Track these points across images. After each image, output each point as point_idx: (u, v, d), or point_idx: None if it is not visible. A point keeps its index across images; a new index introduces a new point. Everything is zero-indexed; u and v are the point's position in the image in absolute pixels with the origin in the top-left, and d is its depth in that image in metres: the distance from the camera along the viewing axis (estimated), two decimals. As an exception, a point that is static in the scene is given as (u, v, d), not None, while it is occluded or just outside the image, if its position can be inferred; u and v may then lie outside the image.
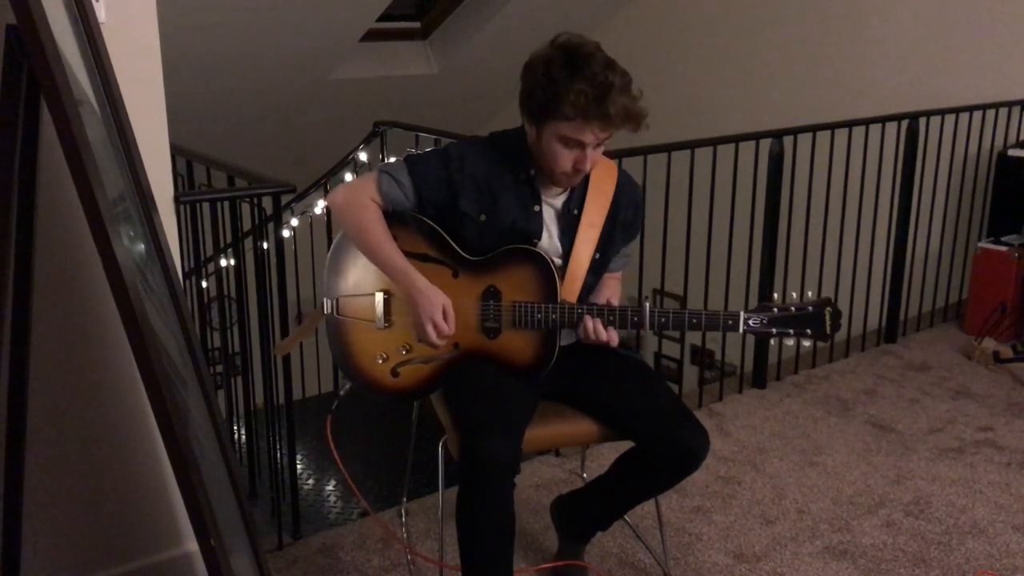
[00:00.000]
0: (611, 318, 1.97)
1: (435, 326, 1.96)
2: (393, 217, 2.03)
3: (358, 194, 2.02)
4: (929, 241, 4.25)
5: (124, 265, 1.28)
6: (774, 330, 1.96)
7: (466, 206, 2.00)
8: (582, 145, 1.89)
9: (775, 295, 2.06)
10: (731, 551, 2.51)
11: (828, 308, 1.96)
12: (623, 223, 2.13)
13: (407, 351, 2.07)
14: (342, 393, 2.21)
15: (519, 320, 2.00)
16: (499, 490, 1.89)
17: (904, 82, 4.71)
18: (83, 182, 1.24)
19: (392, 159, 3.46)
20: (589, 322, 1.96)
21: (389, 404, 4.09)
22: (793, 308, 1.96)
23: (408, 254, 2.00)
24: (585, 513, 2.27)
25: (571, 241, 2.05)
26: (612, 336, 1.97)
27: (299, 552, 2.52)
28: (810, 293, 2.01)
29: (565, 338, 2.11)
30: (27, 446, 1.61)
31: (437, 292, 1.97)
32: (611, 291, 2.15)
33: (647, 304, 1.96)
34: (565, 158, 1.92)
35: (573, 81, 1.83)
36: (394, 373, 2.08)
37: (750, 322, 1.95)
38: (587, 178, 2.06)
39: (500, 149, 2.04)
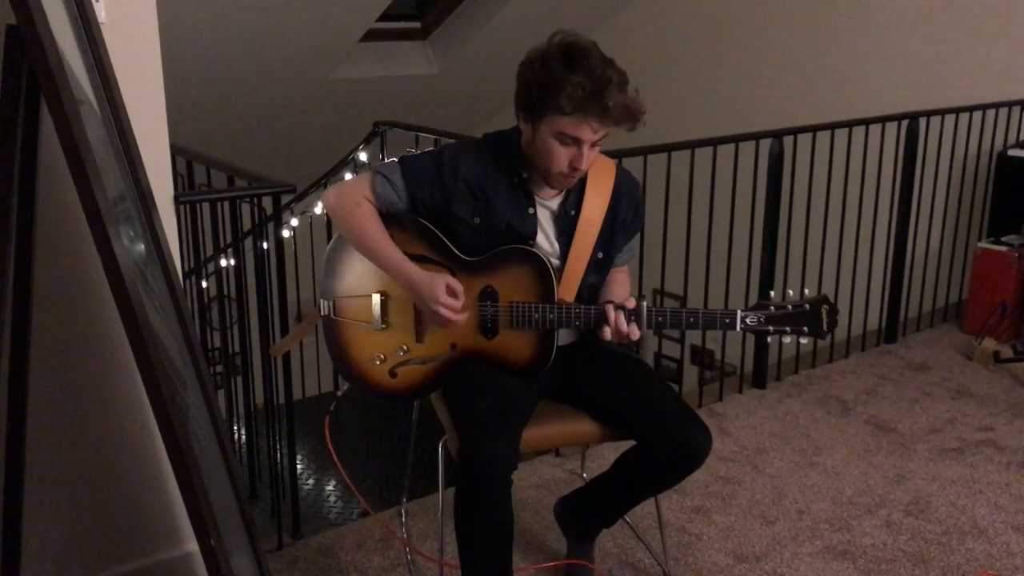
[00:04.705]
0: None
1: (446, 307, 1.93)
2: (390, 218, 2.02)
3: (352, 193, 2.02)
4: (929, 241, 4.25)
5: (124, 265, 1.27)
6: (771, 328, 1.96)
7: (459, 210, 1.99)
8: (579, 143, 1.87)
9: (772, 293, 2.07)
10: (731, 551, 2.51)
11: (825, 306, 1.97)
12: (623, 223, 2.11)
13: (404, 352, 2.06)
14: (340, 393, 2.21)
15: (516, 320, 1.99)
16: (497, 490, 1.89)
17: (904, 82, 4.71)
18: (83, 182, 1.23)
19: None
20: (612, 315, 1.93)
21: (388, 404, 4.09)
22: (790, 306, 1.96)
23: (405, 255, 1.99)
24: (587, 512, 2.27)
25: (568, 242, 2.04)
26: (633, 331, 1.94)
27: (299, 552, 2.51)
28: (807, 291, 2.01)
29: (564, 337, 2.10)
30: (27, 446, 1.61)
31: (433, 276, 1.94)
32: (620, 287, 2.13)
33: (644, 303, 1.95)
34: (561, 157, 1.89)
35: (571, 74, 1.80)
36: (392, 374, 2.08)
37: (747, 320, 1.95)
38: (584, 177, 2.03)
39: (494, 151, 2.03)
